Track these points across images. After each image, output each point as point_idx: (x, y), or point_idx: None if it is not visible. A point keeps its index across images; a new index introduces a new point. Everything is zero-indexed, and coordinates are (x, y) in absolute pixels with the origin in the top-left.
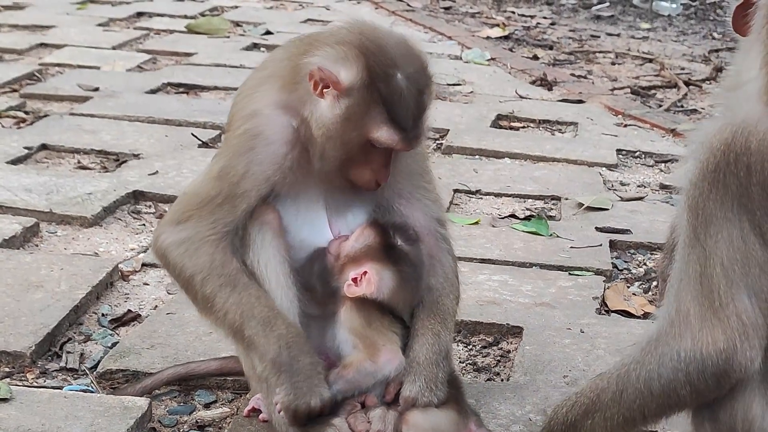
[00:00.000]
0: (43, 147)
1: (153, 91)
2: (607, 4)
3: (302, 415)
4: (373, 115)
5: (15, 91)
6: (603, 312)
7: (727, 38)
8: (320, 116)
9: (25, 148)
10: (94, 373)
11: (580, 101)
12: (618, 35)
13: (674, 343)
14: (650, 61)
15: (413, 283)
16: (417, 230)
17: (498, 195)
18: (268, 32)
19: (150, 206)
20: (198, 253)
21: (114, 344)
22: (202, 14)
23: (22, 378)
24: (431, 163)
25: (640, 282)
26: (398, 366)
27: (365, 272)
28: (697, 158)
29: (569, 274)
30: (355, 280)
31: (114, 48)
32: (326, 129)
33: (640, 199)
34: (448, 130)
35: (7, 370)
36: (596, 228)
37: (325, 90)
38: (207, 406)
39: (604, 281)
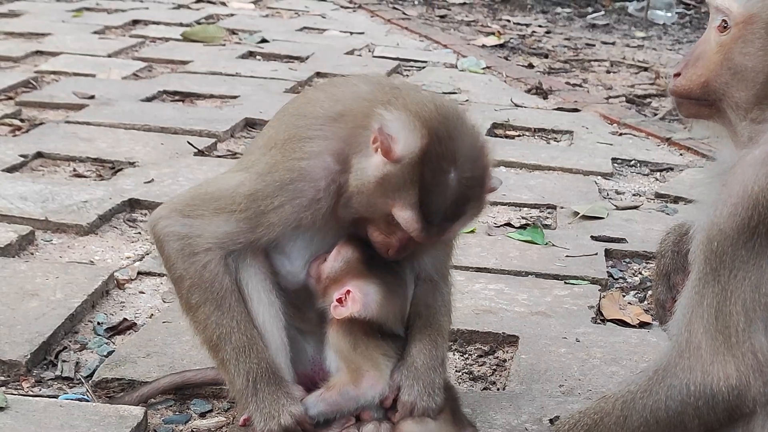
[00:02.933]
0: (39, 155)
1: (148, 99)
2: (603, 12)
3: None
4: (405, 194)
5: (10, 98)
6: (599, 321)
7: None
8: (363, 169)
9: (21, 156)
10: (90, 381)
11: (576, 110)
12: (613, 44)
13: (683, 376)
14: (645, 69)
15: (400, 292)
16: (419, 273)
17: (493, 203)
18: (263, 40)
19: (146, 214)
20: (193, 258)
21: (110, 353)
22: (198, 22)
23: (18, 387)
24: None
25: (636, 291)
26: (381, 392)
27: (348, 291)
28: (734, 211)
29: (565, 283)
30: (340, 300)
31: (109, 56)
32: (361, 183)
33: (636, 207)
34: None
35: (2, 378)
36: (592, 237)
37: (380, 148)
38: (203, 415)
39: (599, 290)
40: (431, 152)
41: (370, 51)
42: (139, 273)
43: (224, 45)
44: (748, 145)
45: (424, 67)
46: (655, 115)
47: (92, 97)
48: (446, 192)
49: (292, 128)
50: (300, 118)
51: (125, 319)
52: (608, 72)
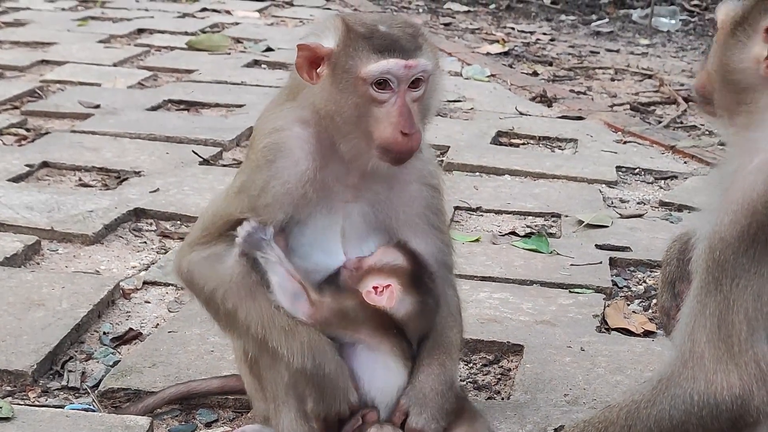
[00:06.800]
0: (45, 164)
1: (154, 108)
2: (607, 20)
3: (332, 422)
4: (360, 57)
5: (16, 108)
6: (603, 330)
7: None
8: (321, 94)
9: (27, 165)
10: (96, 391)
11: (580, 118)
12: (617, 51)
13: (686, 385)
14: (650, 77)
15: (430, 316)
16: None
17: (498, 212)
18: (269, 49)
19: (151, 224)
20: (219, 267)
21: (115, 363)
22: (203, 31)
23: (24, 397)
24: (446, 202)
25: (640, 300)
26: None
27: (389, 285)
28: (734, 218)
29: (569, 291)
30: (376, 288)
31: (115, 65)
32: (327, 101)
33: (640, 216)
34: (449, 146)
35: (8, 389)
36: (596, 245)
37: (317, 72)
38: (208, 425)
39: (604, 299)
40: (353, 25)
41: None
42: (144, 282)
43: (229, 54)
44: (744, 154)
45: None
46: (660, 122)
47: (98, 106)
48: (387, 30)
49: (258, 124)
50: (264, 112)
51: (131, 329)
52: (612, 80)
